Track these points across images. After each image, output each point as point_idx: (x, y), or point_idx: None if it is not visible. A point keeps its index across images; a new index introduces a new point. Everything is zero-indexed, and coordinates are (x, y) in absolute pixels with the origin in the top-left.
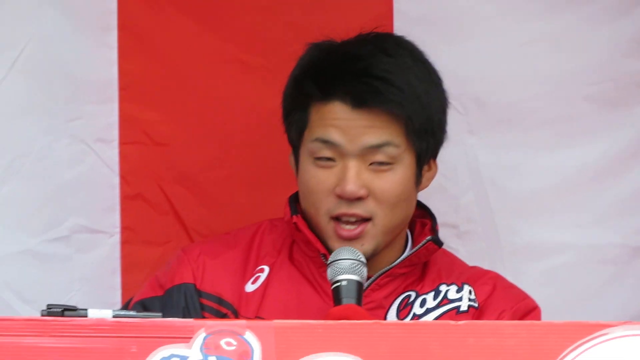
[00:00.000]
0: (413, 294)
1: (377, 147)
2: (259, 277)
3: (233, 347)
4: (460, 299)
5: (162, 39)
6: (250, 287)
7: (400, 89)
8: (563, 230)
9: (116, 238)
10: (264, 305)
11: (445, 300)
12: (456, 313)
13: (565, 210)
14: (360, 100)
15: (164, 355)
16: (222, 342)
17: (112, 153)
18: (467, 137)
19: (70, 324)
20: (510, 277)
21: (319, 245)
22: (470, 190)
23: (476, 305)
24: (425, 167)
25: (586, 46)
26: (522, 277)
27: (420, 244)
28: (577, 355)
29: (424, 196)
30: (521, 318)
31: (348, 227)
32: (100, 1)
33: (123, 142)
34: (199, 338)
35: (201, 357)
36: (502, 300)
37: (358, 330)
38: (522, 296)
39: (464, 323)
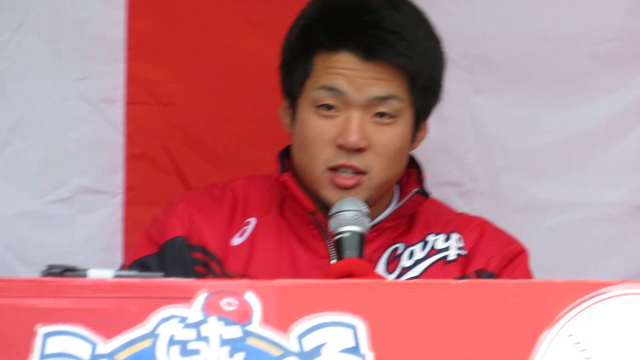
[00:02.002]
0: (401, 246)
1: (382, 99)
2: (245, 230)
3: (234, 307)
4: (447, 249)
5: None
6: (236, 241)
7: (411, 44)
8: (567, 189)
9: (119, 198)
10: (252, 260)
11: (433, 250)
12: (444, 262)
13: (569, 168)
14: (370, 52)
15: (164, 316)
16: (223, 302)
17: (117, 113)
18: (473, 95)
19: (70, 284)
20: (513, 235)
21: (307, 203)
22: (475, 149)
23: (464, 252)
24: (418, 127)
25: (592, 5)
26: (526, 235)
27: (407, 197)
28: (576, 314)
29: (428, 154)
30: (509, 262)
31: (345, 175)
32: None
33: (129, 102)
34: (200, 298)
35: (201, 317)
36: (490, 245)
37: (360, 290)
38: (509, 240)
39: (466, 282)
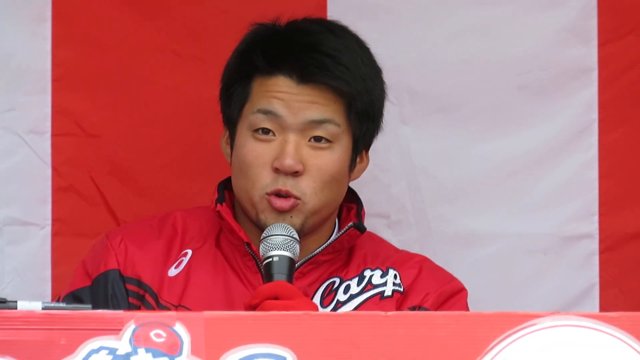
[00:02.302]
0: (337, 280)
1: (318, 123)
2: (182, 261)
3: (162, 339)
4: (384, 284)
5: (97, 29)
6: (173, 272)
7: (348, 68)
8: (494, 220)
9: (47, 230)
10: (187, 291)
11: (369, 285)
12: (380, 298)
13: (496, 199)
14: (306, 75)
15: (94, 347)
16: (152, 334)
17: (44, 145)
18: (400, 126)
19: None
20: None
21: (242, 234)
22: (402, 179)
23: (401, 289)
24: (359, 158)
25: (518, 35)
26: (453, 266)
27: (342, 231)
28: (506, 346)
29: (356, 186)
30: (446, 300)
31: (281, 198)
32: None
33: (55, 134)
34: (129, 330)
35: (130, 349)
36: (427, 282)
37: (288, 322)
38: (448, 278)
39: (394, 314)
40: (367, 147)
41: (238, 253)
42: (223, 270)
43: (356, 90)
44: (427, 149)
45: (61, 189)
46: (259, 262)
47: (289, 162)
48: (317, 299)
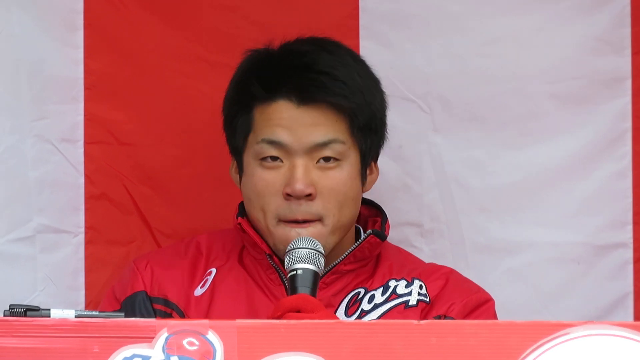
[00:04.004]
0: (362, 291)
1: (324, 145)
2: (207, 280)
3: (195, 347)
4: (409, 294)
5: (128, 38)
6: (199, 291)
7: (345, 83)
8: (526, 229)
9: (80, 238)
10: (212, 308)
11: (394, 295)
12: (405, 307)
13: (528, 208)
14: (305, 96)
15: (126, 355)
16: (185, 342)
17: (77, 153)
18: (432, 135)
19: (32, 324)
20: (473, 276)
21: (264, 246)
22: (435, 188)
23: (427, 300)
24: (368, 170)
25: (550, 44)
26: (486, 275)
27: (362, 239)
28: (538, 355)
29: (388, 194)
30: (472, 310)
31: (303, 232)
32: (67, 1)
33: (88, 142)
34: (162, 338)
35: (163, 357)
36: (453, 293)
37: (320, 330)
38: (474, 289)
39: (426, 322)
40: (375, 159)
41: (261, 267)
42: (246, 285)
43: (356, 104)
44: (459, 158)
45: (94, 197)
46: (282, 275)
47: (299, 186)
48: (341, 309)
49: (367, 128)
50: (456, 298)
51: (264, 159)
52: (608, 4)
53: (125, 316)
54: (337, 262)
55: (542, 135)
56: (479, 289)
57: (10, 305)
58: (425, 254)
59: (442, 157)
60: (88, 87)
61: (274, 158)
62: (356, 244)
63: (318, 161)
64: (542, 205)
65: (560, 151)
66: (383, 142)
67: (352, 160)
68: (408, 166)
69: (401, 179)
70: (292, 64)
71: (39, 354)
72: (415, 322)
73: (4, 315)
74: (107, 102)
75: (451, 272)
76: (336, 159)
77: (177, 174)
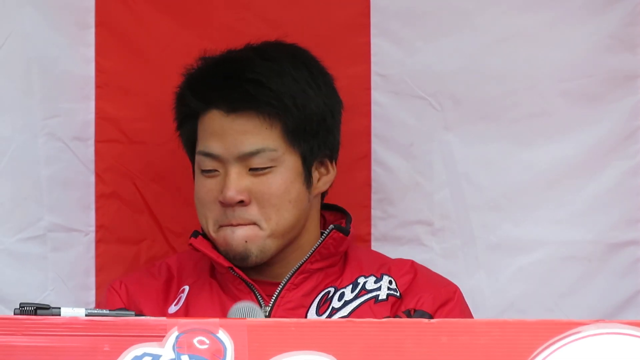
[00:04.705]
0: (332, 290)
1: (252, 154)
2: (180, 297)
3: (206, 346)
4: (379, 289)
5: (139, 36)
6: (173, 309)
7: (272, 91)
8: (538, 227)
9: (91, 236)
10: None
11: (363, 291)
12: (375, 302)
13: (540, 206)
14: (232, 105)
15: (137, 354)
16: (195, 341)
17: (88, 151)
18: (443, 133)
19: (42, 322)
20: (484, 274)
21: (220, 260)
22: (446, 186)
23: (398, 294)
24: (321, 170)
25: (562, 42)
26: (497, 274)
27: (325, 235)
28: (549, 354)
29: (398, 193)
30: (442, 306)
31: (237, 232)
32: None
33: (99, 140)
34: (172, 337)
35: (174, 356)
36: (422, 285)
37: (331, 329)
38: (443, 282)
39: (438, 321)
40: (330, 159)
41: (228, 279)
42: (219, 298)
43: (285, 111)
44: (471, 156)
45: (104, 196)
46: (249, 283)
47: (230, 194)
48: (313, 309)
49: (301, 132)
50: (424, 292)
51: (203, 169)
52: (620, 2)
53: None
54: (303, 260)
55: (554, 133)
56: (448, 283)
57: (20, 304)
58: (436, 253)
59: (454, 155)
60: (99, 86)
61: (211, 169)
62: (320, 241)
63: (251, 168)
64: (553, 203)
65: (572, 149)
66: (332, 143)
67: (289, 165)
68: (419, 164)
69: (412, 177)
70: (223, 73)
71: (49, 353)
72: (426, 320)
73: (14, 314)
74: (118, 101)
75: (414, 263)
76: (269, 167)
77: (188, 172)
